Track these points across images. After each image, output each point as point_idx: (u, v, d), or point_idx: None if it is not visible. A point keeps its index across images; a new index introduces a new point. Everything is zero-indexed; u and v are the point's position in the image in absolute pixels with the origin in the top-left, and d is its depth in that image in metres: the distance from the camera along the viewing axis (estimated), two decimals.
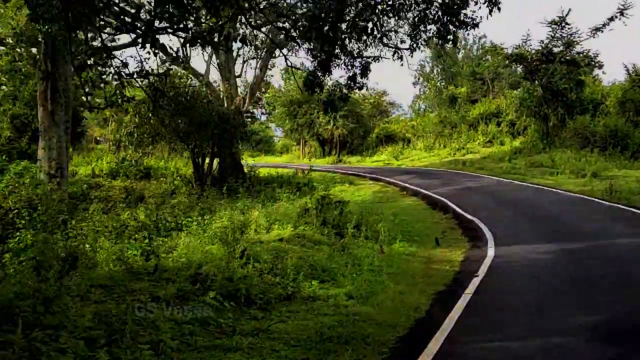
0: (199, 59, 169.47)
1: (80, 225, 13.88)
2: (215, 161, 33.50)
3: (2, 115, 30.42)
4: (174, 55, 29.99)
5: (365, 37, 22.84)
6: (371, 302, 9.75)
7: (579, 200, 21.92)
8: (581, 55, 40.32)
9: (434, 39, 18.49)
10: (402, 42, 23.28)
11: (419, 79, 69.19)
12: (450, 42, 18.75)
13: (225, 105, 32.24)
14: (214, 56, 32.92)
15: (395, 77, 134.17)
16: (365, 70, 21.55)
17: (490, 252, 13.89)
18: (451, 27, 17.44)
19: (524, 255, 13.29)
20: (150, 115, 29.11)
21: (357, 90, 25.19)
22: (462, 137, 49.16)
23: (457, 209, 21.26)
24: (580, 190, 24.26)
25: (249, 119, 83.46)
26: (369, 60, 21.23)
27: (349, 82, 21.55)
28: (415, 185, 29.37)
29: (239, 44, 34.99)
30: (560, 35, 39.53)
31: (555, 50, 40.03)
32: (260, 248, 12.28)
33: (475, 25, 17.70)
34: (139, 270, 9.83)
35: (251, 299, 9.15)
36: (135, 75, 16.50)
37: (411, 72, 59.51)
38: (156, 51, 11.66)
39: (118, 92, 15.83)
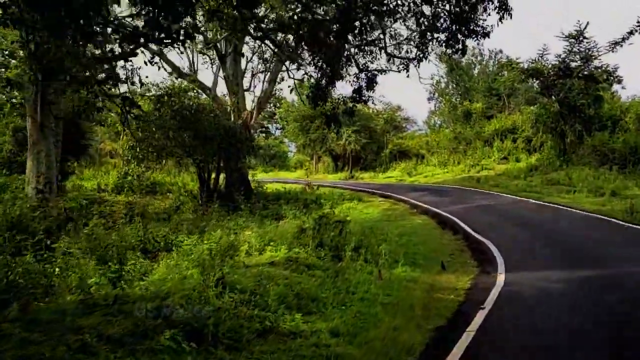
0: (208, 73, 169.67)
1: (58, 244, 12.83)
2: (222, 176, 32.53)
3: (4, 128, 29.63)
4: (180, 68, 29.34)
5: (373, 48, 21.92)
6: (359, 341, 8.47)
7: (597, 221, 20.47)
8: (599, 70, 38.81)
9: (443, 48, 17.24)
10: (409, 52, 21.96)
11: (433, 94, 67.87)
12: (460, 52, 17.52)
13: (232, 119, 31.19)
14: (222, 70, 31.86)
15: (411, 93, 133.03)
16: (371, 83, 20.47)
17: (500, 278, 12.56)
18: (460, 36, 16.24)
19: (536, 284, 11.93)
20: (153, 129, 28.14)
21: (365, 104, 23.94)
22: (477, 153, 47.80)
23: (468, 229, 19.94)
24: (598, 209, 22.79)
25: (264, 134, 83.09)
26: (376, 72, 20.18)
27: (354, 95, 20.52)
28: (426, 203, 28.07)
29: (248, 56, 34.02)
30: (578, 49, 38.18)
31: (573, 64, 38.67)
32: (243, 274, 11.08)
33: (486, 35, 16.53)
34: (98, 301, 8.63)
35: (219, 337, 7.90)
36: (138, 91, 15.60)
37: (425, 87, 58.23)
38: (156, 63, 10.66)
39: (126, 108, 14.90)
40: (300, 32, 17.03)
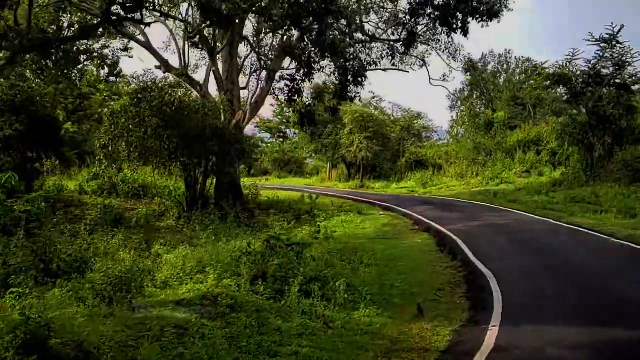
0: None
1: None
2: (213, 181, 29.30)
3: None
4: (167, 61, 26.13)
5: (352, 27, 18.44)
6: None
7: (628, 252, 16.54)
8: (633, 77, 34.68)
9: (438, 26, 13.68)
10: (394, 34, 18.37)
11: (455, 102, 63.88)
12: (460, 32, 13.93)
13: (223, 118, 27.84)
14: (212, 64, 28.50)
15: (434, 101, 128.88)
16: (357, 77, 17.04)
17: (491, 335, 8.92)
18: (459, 14, 12.68)
19: (540, 350, 8.27)
20: (130, 126, 24.94)
21: (351, 101, 20.47)
22: (497, 165, 43.79)
23: (469, 254, 16.31)
24: (629, 235, 18.81)
25: (281, 139, 79.87)
26: (357, 62, 16.68)
27: (338, 90, 17.16)
28: (430, 219, 24.42)
29: (245, 51, 30.62)
30: (610, 54, 34.08)
31: (604, 71, 34.60)
32: (121, 321, 7.65)
33: (493, 15, 13.00)
34: None
35: None
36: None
37: (448, 93, 54.43)
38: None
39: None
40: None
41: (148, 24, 22.08)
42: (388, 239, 20.86)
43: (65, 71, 39.17)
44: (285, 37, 22.11)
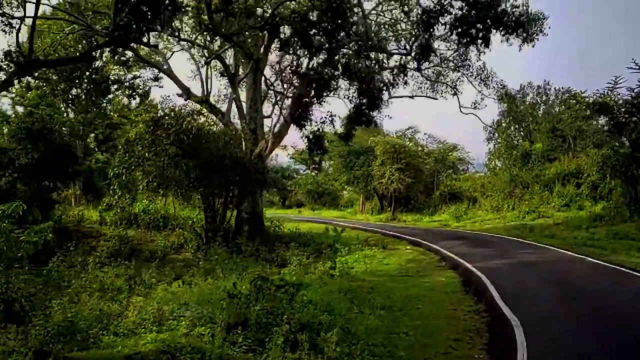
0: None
1: None
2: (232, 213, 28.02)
3: None
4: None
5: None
6: None
7: None
8: None
9: (455, 36, 12.13)
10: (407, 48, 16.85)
11: (493, 134, 61.72)
12: (482, 44, 12.35)
13: (244, 147, 26.59)
14: (232, 91, 27.37)
15: (470, 133, 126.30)
16: (374, 100, 15.54)
17: None
18: (479, 25, 11.12)
19: None
20: (146, 154, 23.87)
21: (366, 126, 18.89)
22: (535, 198, 41.41)
23: (496, 297, 14.42)
24: None
25: (316, 171, 78.51)
26: (379, 85, 15.18)
27: (352, 114, 15.69)
28: (459, 255, 22.55)
29: (269, 79, 29.40)
30: None
31: None
32: None
33: (520, 26, 11.39)
34: None
35: None
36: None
37: (485, 125, 52.30)
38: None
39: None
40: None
41: (155, 46, 21.06)
42: (410, 277, 19.07)
43: (95, 100, 38.70)
44: (298, 60, 21.00)
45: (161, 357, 7.62)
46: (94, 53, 27.57)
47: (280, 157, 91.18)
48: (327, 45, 12.41)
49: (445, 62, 30.13)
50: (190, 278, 15.74)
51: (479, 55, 29.26)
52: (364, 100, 15.35)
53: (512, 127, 62.64)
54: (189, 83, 32.33)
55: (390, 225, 41.91)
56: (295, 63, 16.41)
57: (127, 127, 41.73)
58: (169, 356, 7.62)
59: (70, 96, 39.17)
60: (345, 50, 17.32)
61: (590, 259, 20.60)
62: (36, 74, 37.89)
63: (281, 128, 28.33)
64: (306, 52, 16.03)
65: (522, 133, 62.33)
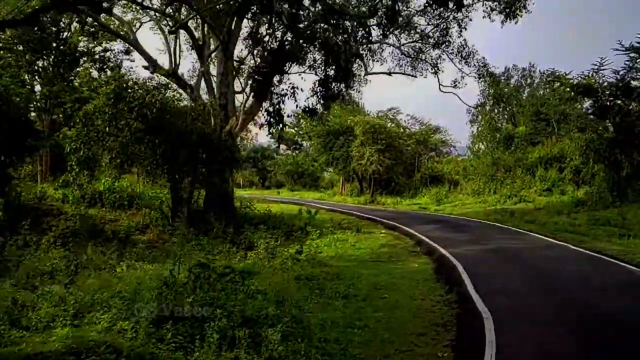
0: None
1: None
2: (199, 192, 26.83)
3: None
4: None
5: None
6: None
7: None
8: None
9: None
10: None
11: (476, 117, 60.79)
12: (455, 7, 11.22)
13: (213, 124, 25.30)
14: (200, 65, 25.94)
15: (454, 115, 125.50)
16: (342, 71, 14.33)
17: None
18: None
19: None
20: (106, 128, 22.53)
21: (334, 101, 17.66)
22: (516, 182, 40.59)
23: (468, 287, 13.43)
24: None
25: (297, 151, 77.10)
26: (347, 56, 13.97)
27: (319, 88, 14.50)
28: (435, 240, 21.57)
29: (242, 53, 28.01)
30: None
31: (634, 83, 31.37)
32: None
33: None
34: None
35: None
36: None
37: (469, 109, 51.20)
38: None
39: None
40: None
41: (105, 10, 19.63)
42: (381, 263, 18.09)
43: (62, 73, 37.07)
44: (257, 27, 19.71)
45: (66, 358, 6.49)
46: (44, 17, 26.11)
47: (261, 137, 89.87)
48: (288, 10, 11.28)
49: (425, 38, 28.97)
50: (129, 263, 14.54)
51: (460, 31, 28.24)
52: (331, 72, 14.21)
53: (495, 110, 61.79)
54: (160, 58, 31.01)
55: (368, 207, 40.92)
56: (254, 30, 15.21)
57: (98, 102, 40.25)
58: (74, 358, 6.48)
59: (36, 68, 37.49)
60: (311, 18, 16.23)
61: (570, 246, 19.69)
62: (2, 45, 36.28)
63: (252, 104, 27.01)
64: (267, 18, 14.84)
65: (505, 116, 61.48)
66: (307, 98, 15.91)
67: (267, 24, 17.88)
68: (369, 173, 45.94)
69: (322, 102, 15.74)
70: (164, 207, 26.48)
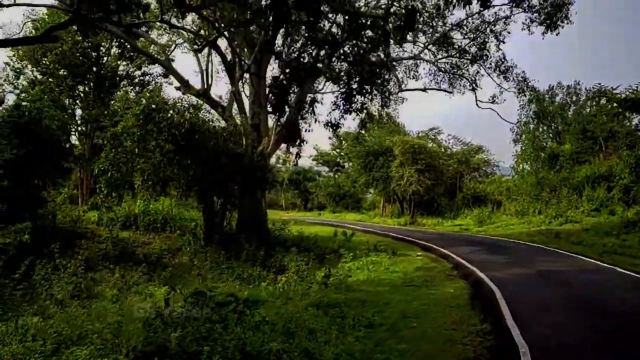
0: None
1: None
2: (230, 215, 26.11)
3: None
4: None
5: None
6: None
7: None
8: None
9: None
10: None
11: (520, 136, 58.82)
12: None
13: (245, 144, 24.62)
14: (231, 84, 25.29)
15: (498, 135, 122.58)
16: (366, 83, 13.32)
17: None
18: None
19: None
20: (136, 150, 22.05)
21: (357, 115, 16.59)
22: (562, 202, 38.64)
23: (506, 315, 12.18)
24: None
25: (339, 173, 76.18)
26: (373, 67, 12.96)
27: (341, 101, 13.54)
28: (473, 263, 20.27)
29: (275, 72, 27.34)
30: None
31: None
32: None
33: None
34: None
35: None
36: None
37: (511, 126, 49.45)
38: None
39: None
40: None
41: (130, 26, 19.16)
42: (414, 288, 16.85)
43: (102, 97, 37.22)
44: (270, 35, 18.86)
45: None
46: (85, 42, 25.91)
47: (303, 159, 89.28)
48: (306, 19, 10.39)
49: (462, 53, 27.79)
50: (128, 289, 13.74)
51: (498, 44, 27.02)
52: (354, 85, 13.28)
53: (540, 129, 59.73)
54: (195, 80, 30.66)
55: (407, 229, 39.62)
56: (267, 39, 14.46)
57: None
58: None
59: (77, 92, 37.75)
60: (328, 27, 15.47)
61: (618, 269, 18.11)
62: (41, 69, 36.67)
63: (289, 122, 26.22)
64: (282, 27, 14.01)
65: (550, 135, 59.35)
66: (329, 112, 15.10)
67: (284, 35, 17.23)
68: (408, 194, 44.63)
69: (344, 115, 14.90)
70: (196, 230, 25.89)
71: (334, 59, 15.63)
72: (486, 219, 41.54)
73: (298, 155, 23.50)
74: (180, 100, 23.40)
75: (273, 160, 79.83)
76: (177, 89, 26.05)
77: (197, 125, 22.62)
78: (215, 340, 7.46)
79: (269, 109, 18.47)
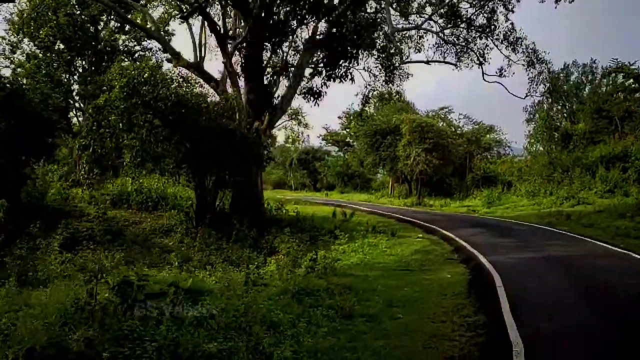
0: None
1: None
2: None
3: None
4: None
5: None
6: None
7: None
8: None
9: None
10: None
11: (533, 116, 56.86)
12: None
13: (239, 119, 23.21)
14: (222, 56, 23.73)
15: (508, 115, 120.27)
16: (348, 46, 11.66)
17: None
18: None
19: None
20: (120, 125, 20.72)
21: (340, 81, 15.04)
22: (575, 183, 36.90)
23: (504, 305, 10.74)
24: None
25: (348, 152, 74.66)
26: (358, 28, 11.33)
27: (320, 62, 11.83)
28: (476, 246, 18.80)
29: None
30: None
31: None
32: None
33: None
34: None
35: None
36: None
37: (525, 105, 47.50)
38: None
39: None
40: None
41: None
42: (409, 272, 15.46)
43: (100, 72, 35.90)
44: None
45: None
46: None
47: (312, 138, 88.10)
48: None
49: (469, 23, 25.94)
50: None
51: (507, 14, 25.23)
52: (338, 47, 11.75)
53: (554, 108, 57.68)
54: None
55: (412, 210, 38.08)
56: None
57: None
58: None
59: (74, 68, 36.47)
60: None
61: (633, 254, 16.56)
62: (38, 43, 35.43)
63: (283, 99, 24.73)
64: None
65: (564, 114, 57.35)
66: (309, 79, 13.55)
67: None
68: (415, 173, 42.99)
69: (326, 83, 13.40)
70: (191, 210, 24.66)
71: (309, 15, 14.09)
72: (495, 200, 39.91)
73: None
74: (168, 72, 22.00)
75: (281, 139, 78.56)
76: (168, 61, 24.66)
77: (185, 99, 21.22)
78: (139, 340, 6.10)
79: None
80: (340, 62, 14.88)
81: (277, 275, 13.51)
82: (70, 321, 6.35)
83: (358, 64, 18.99)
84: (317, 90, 14.56)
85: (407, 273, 15.37)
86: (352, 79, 18.49)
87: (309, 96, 19.16)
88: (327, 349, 8.08)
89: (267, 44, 17.60)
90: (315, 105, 21.38)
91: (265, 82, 21.60)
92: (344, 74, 17.24)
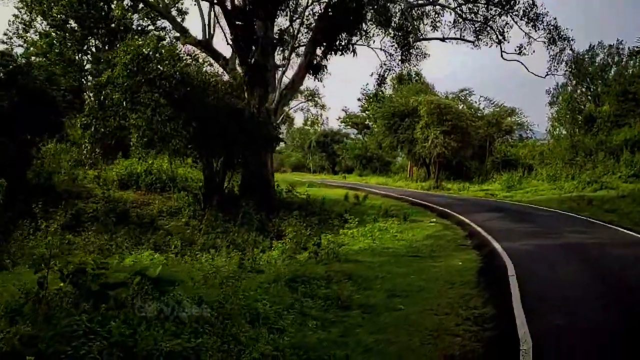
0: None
1: None
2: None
3: None
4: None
5: None
6: None
7: None
8: None
9: None
10: None
11: (556, 98, 55.28)
12: None
13: (247, 99, 22.43)
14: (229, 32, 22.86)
15: (531, 99, 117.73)
16: (347, 16, 10.64)
17: None
18: None
19: None
20: (124, 104, 20.04)
21: (344, 53, 14.01)
22: (598, 167, 35.57)
23: (514, 297, 9.85)
24: None
25: (368, 135, 73.59)
26: None
27: (320, 35, 10.83)
28: (490, 232, 17.87)
29: (283, 24, 24.86)
30: None
31: None
32: None
33: None
34: None
35: None
36: None
37: (548, 88, 45.90)
38: None
39: None
40: None
41: None
42: (418, 259, 14.61)
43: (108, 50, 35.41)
44: None
45: None
46: None
47: (331, 121, 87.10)
48: None
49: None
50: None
51: None
52: (337, 17, 10.88)
53: (578, 90, 55.99)
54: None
55: (429, 193, 37.09)
56: None
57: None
58: None
59: (86, 47, 35.95)
60: None
61: None
62: (50, 22, 34.93)
63: (294, 77, 23.89)
64: None
65: (589, 97, 55.67)
66: (307, 53, 12.56)
67: None
68: (433, 156, 41.87)
69: (326, 56, 12.46)
70: (199, 192, 24.04)
71: None
72: (515, 184, 38.67)
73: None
74: (172, 49, 21.24)
75: (299, 121, 77.70)
76: (176, 38, 23.91)
77: (190, 77, 20.48)
78: (92, 336, 5.37)
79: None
80: (340, 34, 13.98)
81: (279, 260, 12.80)
82: (15, 314, 5.65)
83: (362, 36, 18.10)
84: (317, 64, 13.67)
85: (415, 259, 14.53)
86: (354, 52, 17.54)
87: (309, 70, 18.26)
88: (313, 345, 7.32)
89: (261, 12, 16.79)
90: (316, 80, 20.65)
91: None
92: (345, 46, 16.28)
